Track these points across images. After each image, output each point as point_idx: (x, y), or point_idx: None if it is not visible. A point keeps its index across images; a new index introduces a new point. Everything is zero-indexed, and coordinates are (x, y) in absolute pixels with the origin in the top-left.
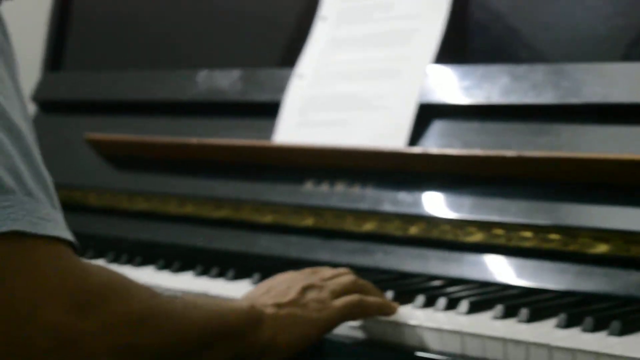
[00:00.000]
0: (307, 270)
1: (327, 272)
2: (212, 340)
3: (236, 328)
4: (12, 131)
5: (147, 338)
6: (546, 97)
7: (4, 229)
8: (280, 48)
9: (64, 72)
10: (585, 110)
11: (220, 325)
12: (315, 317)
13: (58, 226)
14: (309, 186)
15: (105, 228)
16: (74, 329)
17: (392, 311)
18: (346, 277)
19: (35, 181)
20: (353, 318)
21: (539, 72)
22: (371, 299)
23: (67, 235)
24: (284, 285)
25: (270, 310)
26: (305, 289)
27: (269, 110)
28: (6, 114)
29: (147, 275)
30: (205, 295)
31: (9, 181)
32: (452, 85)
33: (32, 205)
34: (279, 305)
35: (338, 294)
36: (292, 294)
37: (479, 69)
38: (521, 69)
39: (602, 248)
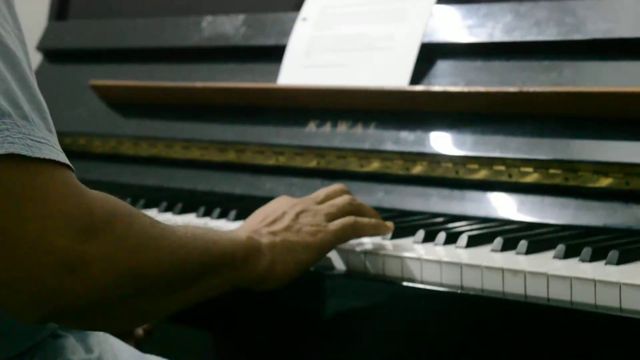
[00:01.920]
0: (302, 198)
1: (322, 193)
2: (211, 269)
3: (234, 258)
4: (7, 56)
5: (148, 263)
6: (549, 34)
7: (1, 151)
8: None
9: (69, 21)
10: (589, 46)
11: (219, 254)
12: (309, 242)
13: (54, 149)
14: (311, 127)
15: (109, 174)
16: (78, 253)
17: (386, 231)
18: (341, 199)
19: (31, 105)
20: (348, 239)
21: (542, 9)
22: (365, 220)
23: (64, 158)
24: (279, 212)
25: (266, 240)
26: (299, 213)
27: (274, 54)
28: (1, 39)
29: None
30: (205, 227)
31: (5, 104)
32: (456, 25)
33: (28, 128)
34: (274, 233)
35: (332, 216)
36: (286, 221)
37: (482, 8)
38: (524, 6)
39: (602, 182)
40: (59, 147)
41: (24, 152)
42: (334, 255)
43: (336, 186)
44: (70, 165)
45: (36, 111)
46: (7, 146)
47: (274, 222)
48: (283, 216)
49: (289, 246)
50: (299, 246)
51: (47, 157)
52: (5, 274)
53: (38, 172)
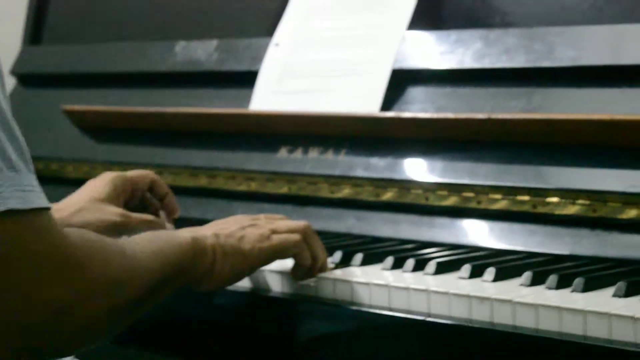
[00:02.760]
0: (260, 215)
1: (278, 216)
2: (169, 279)
3: (185, 263)
4: None
5: (124, 296)
6: (519, 61)
7: (2, 208)
8: (258, 18)
9: (43, 46)
10: (557, 73)
11: (174, 264)
12: (246, 249)
13: (38, 193)
14: (283, 153)
15: None
16: (62, 300)
17: (323, 270)
18: (297, 222)
19: (16, 152)
20: (287, 256)
21: (511, 36)
22: (310, 252)
23: (44, 200)
24: (230, 222)
25: (210, 241)
26: (247, 226)
27: (247, 80)
28: None
29: None
30: (158, 236)
31: None
32: (426, 51)
33: (17, 179)
34: (217, 236)
35: (279, 231)
36: (232, 229)
37: (453, 34)
38: (494, 33)
39: (569, 209)
40: (38, 185)
41: (18, 206)
42: (302, 281)
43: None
44: (49, 205)
45: (20, 156)
46: (5, 202)
47: (221, 228)
48: (231, 226)
49: (228, 251)
50: (237, 252)
51: (35, 205)
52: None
53: (28, 225)
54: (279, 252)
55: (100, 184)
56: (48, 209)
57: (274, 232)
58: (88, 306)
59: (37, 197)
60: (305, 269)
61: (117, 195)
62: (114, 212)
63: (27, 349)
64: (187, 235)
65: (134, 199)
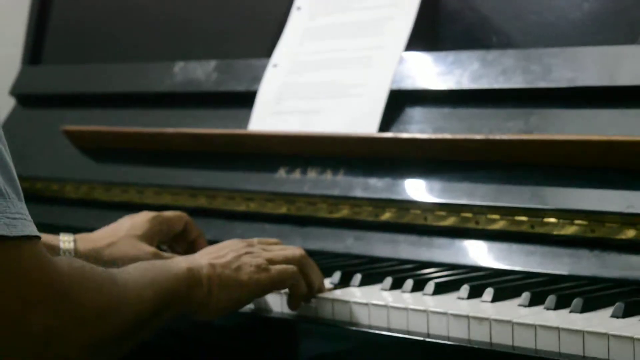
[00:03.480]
0: (254, 240)
1: (273, 241)
2: (161, 309)
3: (179, 294)
4: None
5: (114, 325)
6: (516, 82)
7: None
8: (257, 39)
9: (43, 66)
10: (554, 94)
11: (167, 294)
12: (244, 280)
13: (27, 222)
14: (281, 174)
15: (82, 219)
16: (50, 329)
17: (320, 291)
18: (291, 250)
19: (5, 179)
20: (285, 286)
21: (508, 57)
22: (306, 281)
23: (34, 229)
24: (225, 249)
25: (205, 271)
26: (243, 254)
27: (245, 100)
28: None
29: None
30: (152, 265)
31: None
32: (424, 72)
33: (4, 206)
34: (214, 267)
35: (276, 263)
36: (228, 257)
37: (450, 56)
38: (491, 54)
39: (567, 229)
40: (28, 215)
41: (4, 233)
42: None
43: (292, 247)
44: (38, 234)
45: (9, 182)
46: None
47: (216, 257)
48: (227, 254)
49: (225, 282)
50: (234, 283)
51: (22, 234)
52: None
53: (14, 252)
54: (276, 284)
55: (138, 220)
56: (37, 237)
57: (271, 261)
58: (77, 334)
59: (25, 226)
60: (301, 298)
61: (153, 235)
62: (147, 251)
63: None
64: (183, 265)
65: (167, 238)
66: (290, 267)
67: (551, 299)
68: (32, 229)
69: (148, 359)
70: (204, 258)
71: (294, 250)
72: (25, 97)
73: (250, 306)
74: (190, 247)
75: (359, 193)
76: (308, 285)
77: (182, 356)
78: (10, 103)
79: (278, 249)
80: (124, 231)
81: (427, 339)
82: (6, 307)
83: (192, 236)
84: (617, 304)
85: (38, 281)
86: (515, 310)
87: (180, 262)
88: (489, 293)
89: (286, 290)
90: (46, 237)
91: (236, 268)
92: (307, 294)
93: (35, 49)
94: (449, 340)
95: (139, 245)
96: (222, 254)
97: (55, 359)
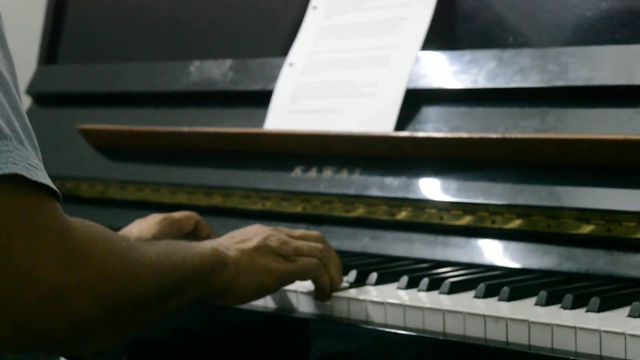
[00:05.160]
0: (279, 227)
1: (298, 231)
2: (182, 285)
3: (203, 272)
4: (2, 83)
5: (128, 288)
6: (532, 81)
7: (7, 171)
8: (272, 38)
9: (58, 65)
10: (571, 93)
11: (189, 271)
12: (273, 267)
13: (47, 177)
14: (297, 173)
15: (96, 218)
16: (62, 282)
17: (335, 288)
18: (314, 243)
19: (24, 132)
20: (307, 278)
21: (525, 56)
22: (328, 274)
23: (53, 186)
24: (250, 234)
25: (232, 254)
26: (270, 238)
27: (261, 99)
28: None
29: None
30: (175, 242)
31: (5, 128)
32: (440, 71)
33: (25, 153)
34: (241, 251)
35: (301, 253)
36: (255, 242)
37: (466, 54)
38: (507, 53)
39: (584, 229)
40: (47, 175)
41: (25, 174)
42: (317, 300)
43: (314, 232)
44: (59, 193)
45: (28, 139)
46: (11, 167)
47: (243, 241)
48: (253, 238)
49: (253, 266)
50: (262, 269)
51: (43, 181)
52: None
53: (31, 197)
54: (302, 274)
55: (148, 223)
56: (56, 193)
57: (297, 250)
58: (84, 294)
59: (44, 177)
60: (327, 289)
61: (163, 237)
62: None
63: (21, 331)
64: (208, 246)
65: (178, 239)
66: (314, 261)
67: (568, 299)
68: (51, 184)
69: (160, 358)
70: (230, 242)
71: (317, 245)
72: (41, 96)
73: (264, 304)
74: None
75: (374, 192)
76: (329, 278)
77: (196, 355)
78: (26, 102)
79: (299, 234)
80: (134, 235)
81: (443, 338)
82: (16, 252)
83: (203, 235)
84: (634, 303)
85: (52, 231)
86: (531, 309)
87: (205, 244)
88: (505, 292)
89: (303, 286)
90: None
91: (263, 253)
92: (330, 285)
93: (51, 48)
94: (465, 340)
95: None
96: (249, 237)
97: (64, 319)
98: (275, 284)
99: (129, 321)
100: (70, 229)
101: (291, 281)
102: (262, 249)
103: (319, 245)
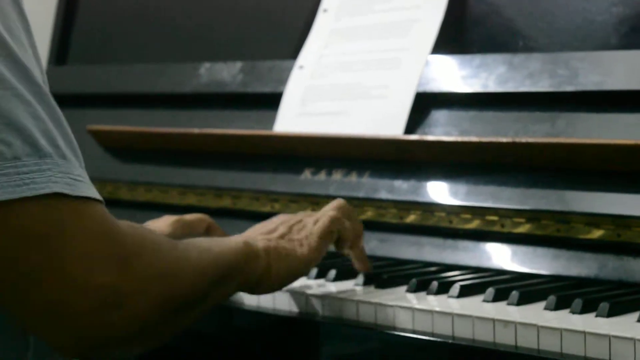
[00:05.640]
0: (300, 213)
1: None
2: (221, 280)
3: (237, 265)
4: (38, 93)
5: (177, 288)
6: (543, 85)
7: (47, 190)
8: (282, 41)
9: (68, 66)
10: (581, 97)
11: (227, 265)
12: (300, 252)
13: (90, 186)
14: (306, 175)
15: None
16: (117, 288)
17: (360, 243)
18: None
19: (65, 142)
20: (334, 238)
21: (535, 60)
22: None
23: (97, 194)
24: (273, 225)
25: (262, 244)
26: (293, 226)
27: (271, 102)
28: (32, 77)
29: None
30: (208, 240)
31: (45, 144)
32: (450, 75)
33: (66, 167)
34: (268, 239)
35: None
36: (280, 231)
37: (476, 58)
38: (518, 58)
39: (594, 233)
40: (89, 181)
41: (66, 191)
42: (326, 303)
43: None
44: (102, 199)
45: (70, 148)
46: (52, 185)
47: (269, 232)
48: (277, 228)
49: (282, 252)
50: (291, 253)
51: (85, 194)
52: (47, 310)
53: (78, 210)
54: (325, 239)
55: (160, 225)
56: (100, 201)
57: (315, 222)
58: (140, 297)
59: (87, 188)
60: (349, 240)
61: (176, 238)
62: None
63: (82, 339)
64: (239, 239)
65: None
66: (329, 215)
67: (577, 303)
68: (94, 192)
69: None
70: (257, 233)
71: (333, 203)
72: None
73: (273, 306)
74: None
75: (384, 195)
76: (352, 229)
77: (205, 358)
78: None
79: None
80: None
81: (452, 342)
82: (69, 263)
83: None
84: None
85: (101, 241)
86: (540, 313)
87: (234, 238)
88: (514, 296)
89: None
90: None
91: (290, 239)
92: (354, 237)
93: (61, 49)
94: (474, 343)
95: None
96: (273, 227)
97: (120, 323)
98: (306, 266)
99: (180, 319)
100: (121, 234)
101: (322, 253)
102: (287, 234)
103: (334, 203)
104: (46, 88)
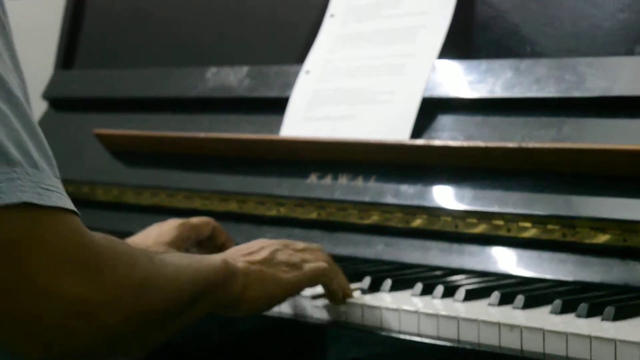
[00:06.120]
0: (282, 240)
1: (300, 244)
2: (198, 296)
3: (215, 283)
4: (13, 102)
5: (150, 302)
6: (549, 91)
7: (15, 200)
8: (289, 45)
9: (75, 70)
10: (588, 103)
11: (203, 282)
12: (282, 277)
13: (62, 196)
14: (312, 179)
15: (112, 222)
16: (86, 299)
17: (348, 295)
18: (320, 253)
19: (39, 152)
20: (318, 283)
21: (542, 66)
22: (337, 278)
23: (70, 204)
24: (256, 247)
25: (241, 265)
26: (276, 251)
27: (277, 106)
28: (6, 84)
29: None
30: (187, 255)
31: (15, 153)
32: (457, 80)
33: (37, 176)
34: (250, 262)
35: (308, 261)
36: (263, 254)
37: (483, 64)
38: (525, 63)
39: (600, 238)
40: (64, 192)
41: (35, 201)
42: (331, 306)
43: (315, 245)
44: (76, 210)
45: (44, 158)
46: (20, 195)
47: (250, 254)
48: (260, 250)
49: (262, 276)
50: (271, 279)
51: (55, 204)
52: (14, 319)
53: (47, 220)
54: (311, 280)
55: (166, 228)
56: (73, 212)
57: (304, 259)
58: (110, 308)
59: (58, 198)
60: (337, 295)
61: (181, 241)
62: None
63: (50, 349)
64: (218, 258)
65: (194, 244)
66: (323, 264)
67: (583, 307)
68: (67, 203)
69: None
70: (237, 254)
71: (322, 253)
72: (58, 100)
73: (278, 310)
74: (218, 252)
75: (389, 199)
76: (338, 282)
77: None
78: (42, 107)
79: (302, 246)
80: (152, 239)
81: (458, 345)
82: (37, 273)
83: (220, 241)
84: None
85: (73, 248)
86: (546, 317)
87: (215, 256)
88: (519, 300)
89: (317, 292)
90: None
91: (271, 264)
92: (339, 289)
93: (68, 53)
94: (479, 347)
95: (168, 251)
96: (255, 250)
97: (89, 334)
98: (284, 294)
99: (153, 334)
100: (94, 244)
101: (300, 289)
102: (270, 260)
103: (325, 253)
104: (23, 97)
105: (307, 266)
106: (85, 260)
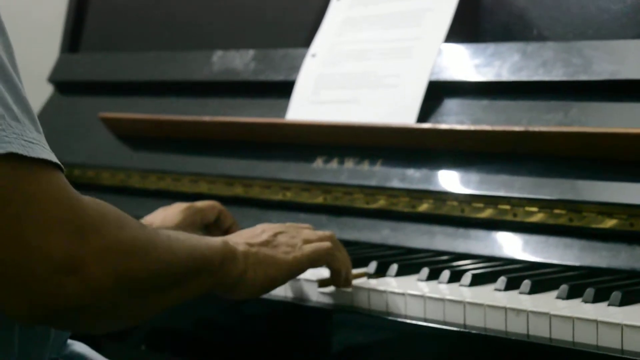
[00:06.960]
0: (288, 223)
1: (305, 226)
2: (192, 272)
3: (212, 262)
4: None
5: (139, 265)
6: (556, 74)
7: (1, 150)
8: (295, 29)
9: (81, 54)
10: (595, 87)
11: (199, 258)
12: (281, 258)
13: (45, 150)
14: (318, 163)
15: (118, 206)
16: (73, 255)
17: (350, 277)
18: (323, 232)
19: (19, 106)
20: (321, 264)
21: (549, 49)
22: (339, 254)
23: (54, 158)
24: (258, 231)
25: (242, 248)
26: (278, 234)
27: (283, 90)
28: None
29: None
30: (186, 233)
31: None
32: (463, 63)
33: (19, 128)
34: (250, 245)
35: (310, 241)
36: (263, 237)
37: (490, 47)
38: (531, 46)
39: (606, 223)
40: (48, 147)
41: (20, 152)
42: (338, 291)
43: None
44: (60, 164)
45: (25, 112)
46: (5, 146)
47: (252, 237)
48: (261, 234)
49: (261, 259)
50: (271, 261)
51: (40, 156)
52: (2, 275)
53: (35, 173)
54: (313, 261)
55: (172, 212)
56: (59, 165)
57: (306, 241)
58: (95, 267)
59: (42, 151)
60: (340, 276)
61: (187, 225)
62: None
63: (37, 306)
64: (218, 239)
65: (200, 228)
66: (325, 244)
67: (589, 292)
68: (51, 156)
69: (179, 346)
70: (239, 238)
71: (324, 232)
72: (63, 84)
73: (284, 294)
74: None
75: (396, 184)
76: (342, 261)
77: (215, 345)
78: (48, 90)
79: (311, 231)
80: (158, 223)
81: (464, 330)
82: (25, 228)
83: (226, 225)
84: None
85: (61, 203)
86: (552, 302)
87: (215, 237)
88: (526, 285)
89: (323, 276)
90: None
91: (272, 246)
92: (343, 269)
93: (74, 37)
94: (485, 332)
95: None
96: (257, 233)
97: (74, 292)
98: (286, 276)
99: (143, 301)
100: (81, 202)
101: (302, 270)
102: (270, 242)
103: (327, 233)
104: (7, 57)
105: (308, 246)
106: (71, 216)
